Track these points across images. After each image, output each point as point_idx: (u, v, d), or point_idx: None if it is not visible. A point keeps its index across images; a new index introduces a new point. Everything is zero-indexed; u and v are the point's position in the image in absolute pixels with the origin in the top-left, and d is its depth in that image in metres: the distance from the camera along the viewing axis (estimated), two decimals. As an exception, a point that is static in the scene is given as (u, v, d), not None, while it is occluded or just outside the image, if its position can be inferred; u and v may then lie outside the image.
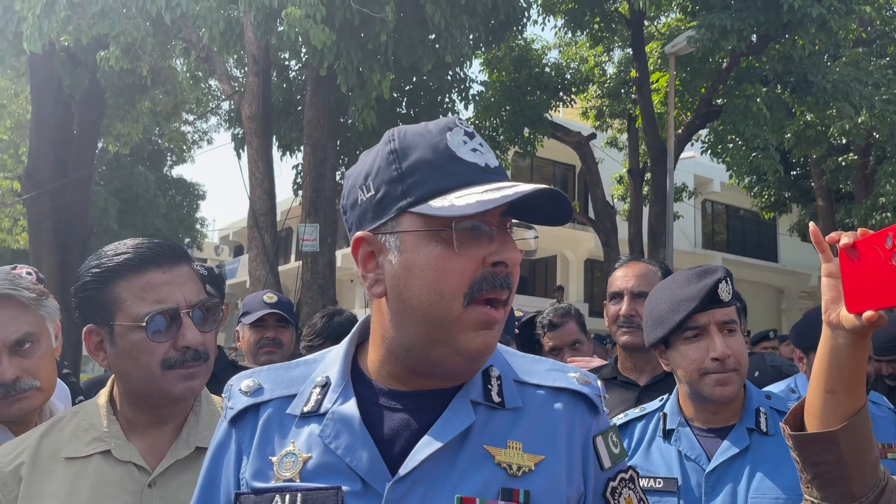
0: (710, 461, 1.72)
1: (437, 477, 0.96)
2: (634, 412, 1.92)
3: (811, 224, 1.10)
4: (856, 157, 15.44)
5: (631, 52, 14.21)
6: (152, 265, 1.36)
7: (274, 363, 1.72)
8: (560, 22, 13.94)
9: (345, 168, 11.37)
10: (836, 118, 12.52)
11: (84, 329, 1.40)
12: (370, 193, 1.00)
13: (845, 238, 1.05)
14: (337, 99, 10.36)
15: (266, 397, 1.07)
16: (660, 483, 1.74)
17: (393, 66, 9.00)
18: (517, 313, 3.40)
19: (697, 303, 1.70)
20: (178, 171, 25.22)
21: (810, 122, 13.48)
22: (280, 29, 8.31)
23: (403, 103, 12.24)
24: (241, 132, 11.69)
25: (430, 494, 0.95)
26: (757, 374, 3.68)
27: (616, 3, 13.58)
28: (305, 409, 1.03)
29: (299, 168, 11.73)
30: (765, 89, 12.29)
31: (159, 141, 20.80)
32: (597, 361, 2.81)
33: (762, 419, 1.74)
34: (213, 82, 14.49)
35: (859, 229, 1.04)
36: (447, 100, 12.10)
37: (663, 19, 15.02)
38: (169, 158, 23.16)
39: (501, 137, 14.37)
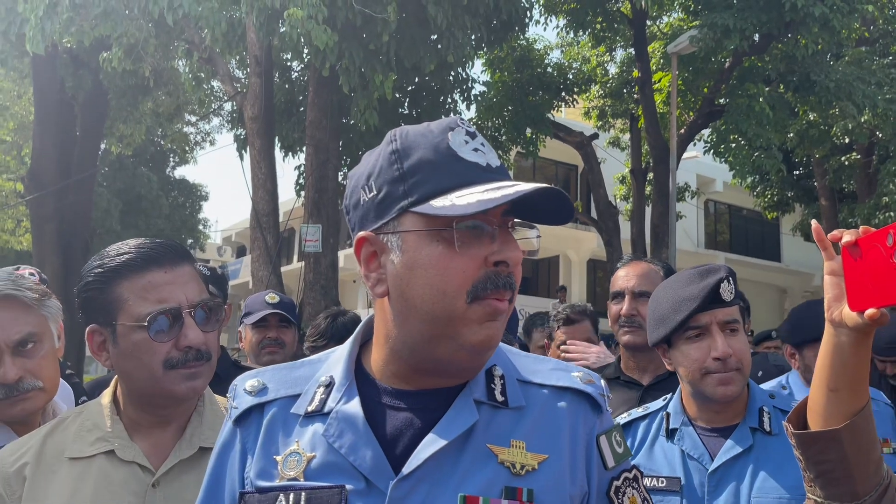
0: (713, 460, 1.72)
1: (441, 476, 0.96)
2: (638, 411, 1.92)
3: (813, 221, 1.10)
4: (859, 156, 15.41)
5: (633, 52, 14.20)
6: (154, 265, 1.36)
7: (276, 363, 1.72)
8: (562, 22, 13.94)
9: (347, 169, 11.38)
10: (838, 117, 12.50)
11: (87, 329, 1.41)
12: (372, 193, 1.01)
13: (847, 236, 1.05)
14: (339, 99, 10.37)
15: (270, 397, 1.07)
16: (663, 482, 1.74)
17: (395, 67, 9.01)
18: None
19: (699, 302, 1.70)
20: (180, 172, 25.21)
21: (813, 122, 13.46)
22: (282, 30, 8.32)
23: (406, 104, 12.26)
24: (243, 133, 11.71)
25: (434, 493, 0.96)
26: (760, 373, 3.67)
27: (618, 2, 13.58)
28: (309, 409, 1.04)
29: (302, 169, 11.75)
30: (767, 89, 12.28)
31: (162, 142, 20.83)
32: (595, 349, 2.81)
33: (765, 418, 1.74)
34: (215, 83, 14.51)
35: (861, 227, 1.04)
36: (449, 100, 12.12)
37: (665, 19, 15.01)
38: (171, 159, 23.19)
39: (504, 138, 14.37)
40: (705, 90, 13.32)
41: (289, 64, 12.67)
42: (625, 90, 15.38)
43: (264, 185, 10.51)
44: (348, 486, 0.97)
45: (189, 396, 1.39)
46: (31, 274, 2.36)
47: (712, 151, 12.82)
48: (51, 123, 12.06)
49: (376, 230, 1.00)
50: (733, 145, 12.32)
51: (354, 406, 1.01)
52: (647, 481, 1.73)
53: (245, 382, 1.10)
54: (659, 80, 14.07)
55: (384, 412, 1.02)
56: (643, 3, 10.08)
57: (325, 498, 0.97)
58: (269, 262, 10.28)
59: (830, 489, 1.16)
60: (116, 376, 1.46)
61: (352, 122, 10.55)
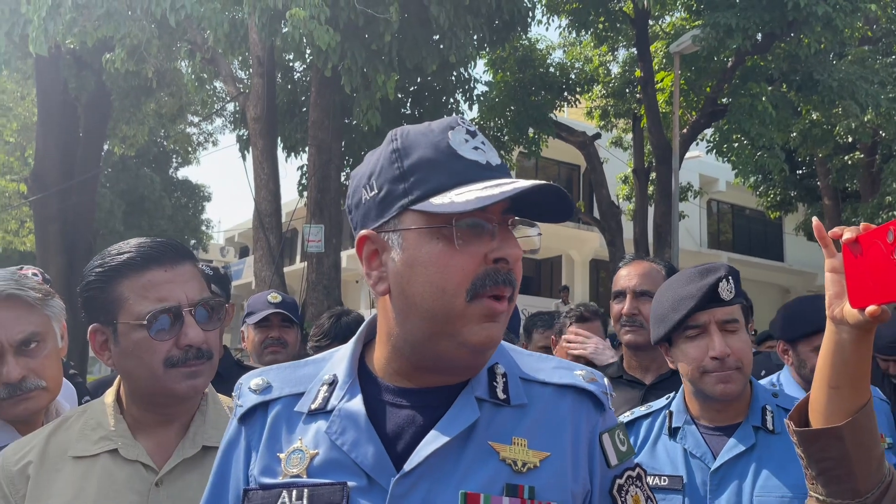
0: (715, 459, 1.72)
1: (442, 473, 0.97)
2: (641, 410, 1.92)
3: (814, 219, 1.10)
4: (862, 155, 15.39)
5: (635, 52, 14.19)
6: (154, 264, 1.36)
7: (278, 363, 1.73)
8: (564, 22, 13.93)
9: (349, 169, 11.39)
10: (841, 117, 12.48)
11: (89, 328, 1.41)
12: (373, 192, 1.02)
13: (848, 233, 1.05)
14: (341, 100, 10.38)
15: (274, 395, 1.09)
16: (665, 481, 1.74)
17: (397, 67, 9.02)
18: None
19: (696, 301, 1.71)
20: (183, 173, 25.23)
21: (816, 121, 13.44)
22: (284, 30, 8.32)
23: (408, 104, 12.26)
24: (245, 133, 11.72)
25: (435, 490, 0.96)
26: (763, 372, 3.66)
27: (620, 2, 13.57)
28: (313, 407, 1.05)
29: (304, 169, 11.76)
30: (770, 88, 12.26)
31: (165, 143, 20.86)
32: (594, 339, 2.82)
33: (768, 417, 1.74)
34: (217, 84, 14.53)
35: (862, 224, 1.04)
36: (452, 100, 12.12)
37: (668, 18, 14.99)
38: (174, 160, 23.21)
39: (506, 137, 14.36)
40: (708, 90, 13.30)
41: (291, 64, 12.68)
42: (627, 90, 15.36)
43: (267, 185, 10.52)
44: (350, 483, 0.98)
45: (190, 395, 1.39)
46: (35, 274, 2.36)
47: (715, 151, 12.81)
48: (54, 124, 12.09)
49: (377, 228, 1.01)
50: (736, 145, 12.31)
51: (357, 404, 1.02)
52: (649, 480, 1.73)
53: (250, 381, 1.11)
54: (661, 80, 14.05)
55: (386, 410, 1.03)
56: (645, 2, 10.09)
57: (327, 495, 0.98)
58: (272, 262, 10.28)
59: (832, 486, 1.16)
60: (120, 375, 1.47)
61: (354, 122, 10.56)
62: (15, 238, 18.10)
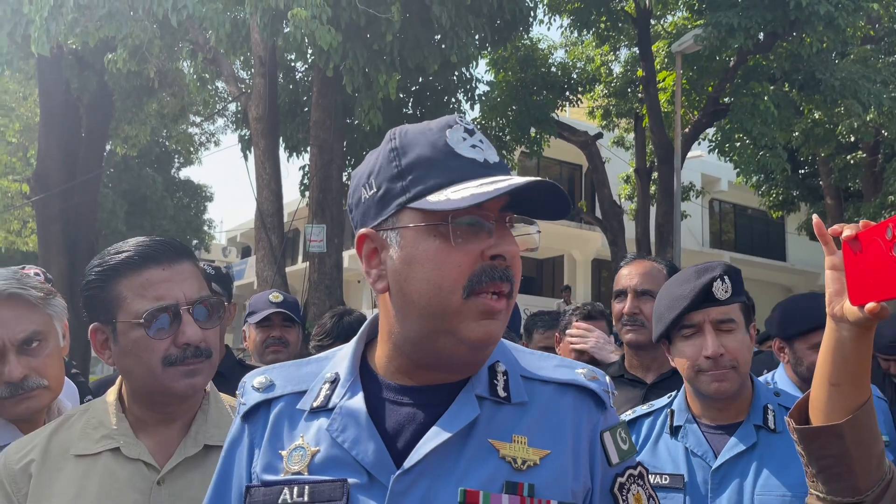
0: (716, 458, 1.72)
1: (442, 470, 0.97)
2: (642, 409, 1.93)
3: (814, 216, 1.10)
4: (864, 154, 15.37)
5: (637, 51, 14.18)
6: (152, 262, 1.37)
7: (280, 362, 1.73)
8: (566, 21, 13.93)
9: (351, 169, 11.40)
10: (844, 116, 12.47)
11: (90, 327, 1.42)
12: (372, 191, 1.03)
13: (848, 230, 1.05)
14: (343, 100, 10.39)
15: (277, 393, 1.09)
16: (666, 479, 1.74)
17: (399, 67, 9.02)
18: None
19: (689, 301, 1.72)
20: (185, 173, 25.29)
21: (818, 120, 13.43)
22: (286, 30, 8.33)
23: (409, 104, 12.26)
24: (247, 133, 11.73)
25: (435, 487, 0.96)
26: (766, 371, 3.66)
27: (622, 1, 13.56)
28: (315, 405, 1.06)
29: (306, 169, 11.76)
30: (772, 87, 12.25)
31: (167, 143, 20.89)
32: (596, 333, 2.82)
33: (770, 416, 1.74)
34: (219, 84, 14.55)
35: (861, 221, 1.04)
36: (453, 100, 12.12)
37: (670, 18, 14.98)
38: (176, 160, 23.24)
39: (508, 137, 14.37)
40: (710, 89, 13.29)
41: (293, 64, 12.69)
42: (629, 89, 15.35)
43: (269, 185, 10.53)
44: (350, 480, 0.98)
45: (188, 393, 1.38)
46: (37, 274, 2.37)
47: (717, 150, 12.80)
48: (56, 125, 12.10)
49: (376, 227, 1.02)
50: (738, 144, 12.30)
51: (358, 401, 1.03)
52: (650, 478, 1.73)
53: (253, 379, 1.12)
54: (663, 80, 14.04)
55: (387, 407, 1.03)
56: (647, 2, 10.08)
57: (327, 491, 0.98)
58: (274, 262, 10.29)
59: (832, 484, 1.16)
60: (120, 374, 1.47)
61: (356, 122, 10.56)
62: (17, 238, 18.13)
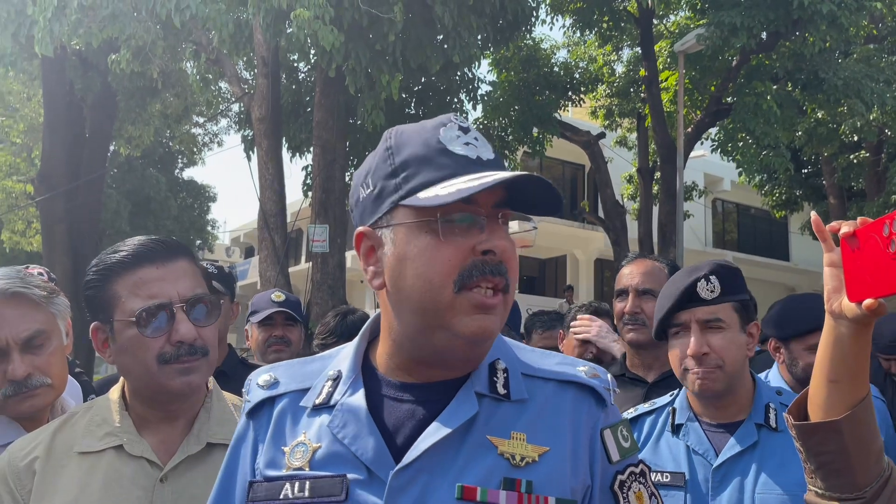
0: (717, 456, 1.72)
1: (441, 466, 0.98)
2: (644, 407, 1.93)
3: (812, 213, 1.11)
4: (867, 154, 15.33)
5: (640, 51, 14.16)
6: (146, 261, 1.38)
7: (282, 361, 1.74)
8: (568, 21, 13.92)
9: (354, 169, 11.40)
10: (847, 115, 12.43)
11: (91, 326, 1.43)
12: (369, 190, 1.05)
13: (846, 227, 1.06)
14: (346, 100, 10.39)
15: (281, 390, 1.11)
16: (667, 477, 1.75)
17: (401, 67, 9.02)
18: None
19: (673, 301, 1.76)
20: (189, 174, 25.33)
21: (821, 120, 13.39)
22: (289, 31, 8.34)
23: (412, 104, 12.27)
24: (250, 134, 11.75)
25: (434, 483, 0.97)
26: (768, 371, 3.65)
27: (625, 1, 13.55)
28: (317, 402, 1.07)
29: (309, 169, 11.77)
30: (775, 87, 12.23)
31: (170, 143, 20.91)
32: (598, 322, 2.83)
33: (771, 415, 1.75)
34: (222, 84, 14.58)
35: (859, 218, 1.04)
36: (456, 100, 12.12)
37: (672, 17, 14.97)
38: (180, 161, 23.28)
39: (510, 137, 14.36)
40: (712, 89, 13.27)
41: (296, 65, 12.69)
42: (632, 89, 15.33)
43: (272, 185, 10.54)
44: (350, 476, 0.99)
45: (184, 391, 1.39)
46: (40, 273, 2.38)
47: (720, 150, 12.78)
48: (60, 125, 12.13)
49: (373, 225, 1.04)
50: (741, 144, 12.28)
51: (358, 398, 1.04)
52: (651, 476, 1.73)
53: (259, 377, 1.14)
54: (666, 79, 14.02)
55: (388, 404, 1.04)
56: (650, 1, 10.08)
57: (327, 487, 0.99)
58: (277, 262, 10.30)
59: (831, 480, 1.16)
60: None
61: (358, 122, 10.57)
62: (22, 238, 18.16)
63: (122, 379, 1.49)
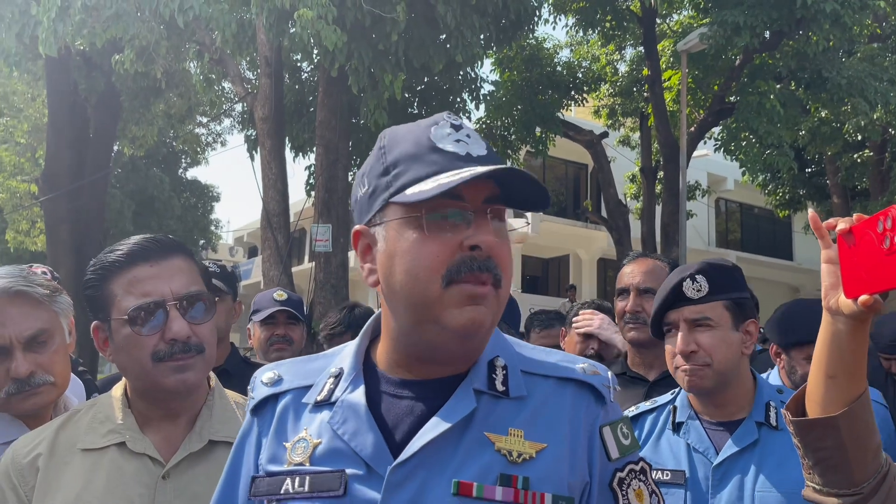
0: (718, 454, 1.73)
1: (438, 462, 0.99)
2: (646, 405, 1.94)
3: (810, 210, 1.11)
4: (871, 153, 15.29)
5: (643, 50, 14.15)
6: (140, 260, 1.39)
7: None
8: (571, 21, 13.91)
9: (357, 168, 11.39)
10: (850, 114, 12.40)
11: (91, 325, 1.44)
12: (365, 189, 1.06)
13: (842, 224, 1.06)
14: (349, 100, 10.40)
15: (284, 387, 1.13)
16: (667, 475, 1.75)
17: (404, 67, 9.02)
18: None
19: (661, 302, 1.79)
20: (192, 173, 25.40)
21: (825, 119, 13.36)
22: (292, 30, 8.35)
23: (415, 103, 12.27)
24: (254, 134, 11.76)
25: (431, 479, 0.98)
26: (770, 370, 3.65)
27: (627, 1, 13.54)
28: (318, 398, 1.08)
29: (312, 169, 11.79)
30: (778, 86, 12.22)
31: (174, 143, 20.94)
32: (600, 316, 2.84)
33: (772, 413, 1.75)
34: (226, 84, 14.58)
35: (855, 214, 1.05)
36: (458, 100, 12.11)
37: (675, 17, 14.95)
38: (183, 160, 23.30)
39: (513, 137, 14.36)
40: (716, 88, 13.25)
41: (299, 64, 12.71)
42: (634, 88, 15.32)
43: (275, 185, 10.55)
44: (349, 471, 1.00)
45: (179, 389, 1.39)
46: (44, 272, 2.39)
47: (723, 149, 12.76)
48: (64, 125, 12.16)
49: (368, 223, 1.06)
50: (744, 143, 12.26)
51: (358, 395, 1.05)
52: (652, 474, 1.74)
53: (263, 374, 1.16)
54: (669, 79, 14.01)
55: (387, 401, 1.05)
56: (653, 1, 10.05)
57: (326, 482, 1.00)
58: (280, 261, 10.32)
59: (829, 476, 1.16)
60: None
61: (361, 122, 10.58)
62: (26, 238, 18.20)
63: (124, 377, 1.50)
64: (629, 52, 15.68)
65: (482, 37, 10.06)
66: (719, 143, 12.78)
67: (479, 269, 0.99)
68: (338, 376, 1.09)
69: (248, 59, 12.71)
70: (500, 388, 1.04)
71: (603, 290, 21.65)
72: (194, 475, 1.38)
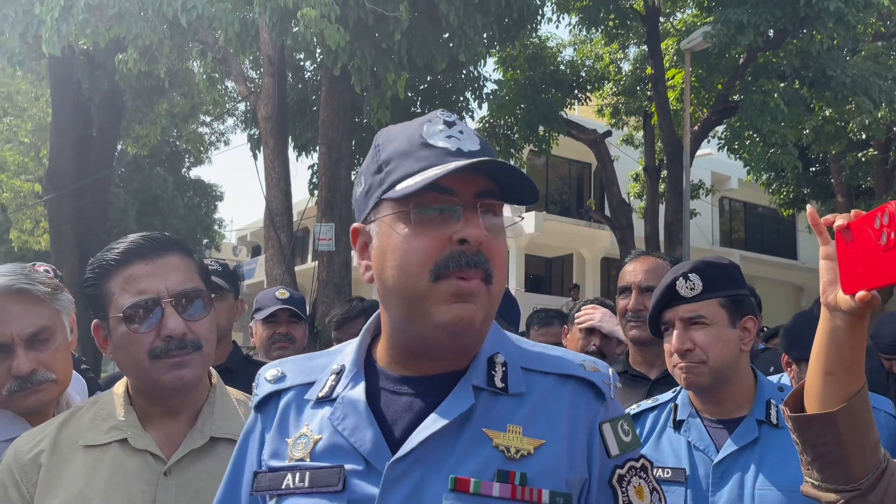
0: (718, 452, 1.73)
1: (436, 458, 0.99)
2: (647, 403, 1.95)
3: (808, 206, 1.12)
4: (875, 152, 15.24)
5: (646, 49, 14.12)
6: (136, 258, 1.40)
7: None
8: (575, 19, 13.88)
9: (359, 167, 11.40)
10: (855, 113, 12.37)
11: (92, 324, 1.45)
12: (362, 188, 1.08)
13: (840, 220, 1.07)
14: (352, 99, 10.40)
15: (287, 384, 1.14)
16: (668, 473, 1.75)
17: (407, 66, 9.02)
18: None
19: (656, 301, 1.81)
20: (195, 173, 25.37)
21: (829, 118, 13.33)
22: (295, 30, 8.35)
23: (418, 102, 12.26)
24: (257, 133, 11.77)
25: (429, 475, 0.98)
26: (772, 369, 3.65)
27: (631, -1, 13.52)
28: (320, 395, 1.09)
29: (315, 168, 11.79)
30: (782, 84, 12.18)
31: (177, 142, 20.99)
32: (602, 309, 2.84)
33: (772, 411, 1.75)
34: (229, 84, 14.58)
35: (853, 210, 1.05)
36: (461, 99, 12.11)
37: (679, 15, 14.91)
38: (187, 160, 23.35)
39: (516, 136, 14.35)
40: (719, 87, 13.22)
41: (302, 63, 12.71)
42: (638, 87, 15.29)
43: (278, 184, 10.56)
44: (348, 467, 1.01)
45: (176, 386, 1.39)
46: (46, 270, 2.40)
47: (727, 148, 12.74)
48: (68, 125, 12.18)
49: (364, 221, 1.07)
50: (748, 142, 12.24)
51: (358, 391, 1.06)
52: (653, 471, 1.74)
53: (267, 372, 1.17)
54: (672, 77, 13.97)
55: (387, 397, 1.06)
56: (656, -1, 10.02)
57: (325, 477, 1.01)
58: (283, 261, 10.32)
59: (827, 472, 1.17)
60: None
61: (365, 121, 10.58)
62: (30, 237, 18.25)
63: (126, 374, 1.51)
64: (633, 51, 15.66)
65: (485, 35, 10.04)
66: (723, 141, 12.76)
67: (468, 264, 0.99)
68: (339, 373, 1.10)
69: (251, 58, 12.70)
70: (499, 384, 1.04)
71: (606, 290, 21.62)
72: (196, 471, 1.39)
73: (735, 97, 12.78)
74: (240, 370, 2.55)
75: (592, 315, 2.83)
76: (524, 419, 1.02)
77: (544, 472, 0.99)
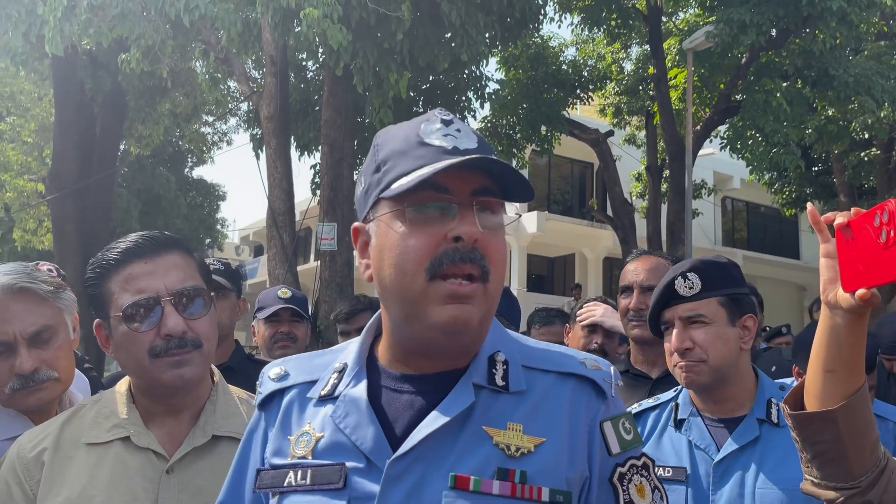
0: (719, 451, 1.73)
1: (437, 456, 0.99)
2: (648, 402, 1.95)
3: (808, 204, 1.12)
4: (878, 151, 15.22)
5: (648, 49, 14.10)
6: (135, 257, 1.41)
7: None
8: (577, 19, 13.86)
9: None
10: (857, 112, 12.35)
11: (94, 323, 1.45)
12: (361, 187, 1.09)
13: (840, 218, 1.07)
14: (354, 98, 10.41)
15: (290, 382, 1.14)
16: (669, 472, 1.76)
17: (409, 66, 9.02)
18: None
19: (655, 301, 1.82)
20: (198, 172, 25.40)
21: (831, 117, 13.30)
22: (297, 29, 8.36)
23: (420, 102, 12.26)
24: (259, 133, 11.77)
25: (429, 473, 0.98)
26: (774, 368, 3.65)
27: (633, -1, 13.51)
28: (322, 393, 1.10)
29: (317, 168, 11.79)
30: (785, 84, 12.17)
31: (180, 142, 21.00)
32: (603, 306, 2.84)
33: (773, 410, 1.75)
34: (231, 83, 14.61)
35: (853, 208, 1.05)
36: (464, 98, 12.11)
37: (681, 15, 14.89)
38: (189, 160, 23.37)
39: (518, 135, 14.34)
40: (721, 86, 13.20)
41: (304, 63, 12.72)
42: (640, 87, 15.27)
43: (280, 184, 10.56)
44: (349, 464, 1.01)
45: (176, 384, 1.40)
46: (49, 269, 2.40)
47: (729, 148, 12.72)
48: (71, 124, 12.21)
49: (363, 220, 1.08)
50: (750, 142, 12.22)
51: (360, 389, 1.06)
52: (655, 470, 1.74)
53: (270, 370, 1.18)
54: (675, 77, 13.96)
55: (388, 395, 1.06)
56: (658, -1, 10.01)
57: (327, 475, 1.02)
58: (286, 260, 10.33)
59: (827, 470, 1.17)
60: None
61: (367, 120, 10.57)
62: (33, 237, 18.27)
63: (129, 372, 1.51)
64: (635, 51, 15.64)
65: (487, 35, 10.04)
66: (725, 141, 12.74)
67: (462, 261, 0.99)
68: (341, 371, 1.11)
69: (253, 58, 12.71)
70: (499, 382, 1.05)
71: (608, 289, 21.61)
72: (198, 470, 1.39)
73: (737, 97, 12.77)
74: (242, 369, 2.56)
75: (594, 311, 2.84)
76: (525, 417, 1.02)
77: (544, 470, 0.99)
